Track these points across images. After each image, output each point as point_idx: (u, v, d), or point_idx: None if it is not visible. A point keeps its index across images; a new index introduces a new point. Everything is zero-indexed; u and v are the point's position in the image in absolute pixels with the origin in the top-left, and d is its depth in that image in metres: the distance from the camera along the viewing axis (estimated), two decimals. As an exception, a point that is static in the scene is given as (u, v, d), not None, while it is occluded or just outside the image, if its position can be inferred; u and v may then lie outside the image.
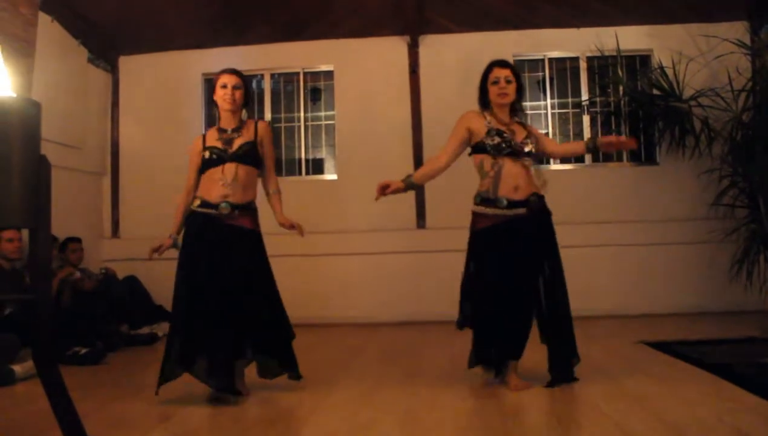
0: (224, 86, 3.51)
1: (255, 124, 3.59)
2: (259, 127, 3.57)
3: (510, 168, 3.34)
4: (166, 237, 3.54)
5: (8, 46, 5.10)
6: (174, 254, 3.57)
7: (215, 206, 3.39)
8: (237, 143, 3.47)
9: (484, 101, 3.51)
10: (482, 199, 3.38)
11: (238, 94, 3.51)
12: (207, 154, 3.47)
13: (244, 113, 3.61)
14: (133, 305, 5.99)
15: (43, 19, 5.85)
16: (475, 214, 3.42)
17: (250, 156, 3.47)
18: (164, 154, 7.19)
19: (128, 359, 4.94)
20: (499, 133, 3.37)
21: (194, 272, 3.38)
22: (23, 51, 5.34)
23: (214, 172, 3.43)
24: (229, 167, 3.42)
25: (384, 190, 3.45)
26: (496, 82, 3.43)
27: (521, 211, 3.34)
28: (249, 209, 3.48)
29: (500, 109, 3.46)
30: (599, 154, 7.04)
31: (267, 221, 3.65)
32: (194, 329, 3.32)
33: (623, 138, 3.45)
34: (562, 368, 3.39)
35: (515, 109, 3.53)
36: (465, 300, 3.49)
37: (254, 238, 3.49)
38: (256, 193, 3.56)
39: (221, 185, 3.39)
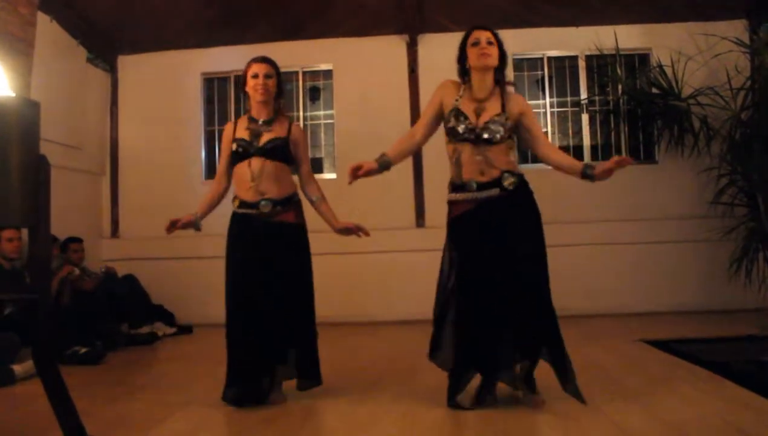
0: (255, 76, 3.32)
1: (289, 123, 3.44)
2: (293, 129, 3.41)
3: (468, 154, 3.09)
4: (189, 214, 3.35)
5: (7, 46, 5.10)
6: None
7: (255, 205, 3.29)
8: (265, 137, 3.31)
9: (464, 69, 3.19)
10: (453, 187, 3.19)
11: (271, 83, 3.33)
12: (234, 146, 3.33)
13: (280, 103, 3.46)
14: (132, 304, 5.99)
15: (42, 18, 5.85)
16: (449, 203, 3.24)
17: (278, 152, 3.31)
18: (163, 153, 7.20)
19: (128, 359, 4.94)
20: (457, 115, 3.09)
21: (241, 282, 3.27)
22: (22, 51, 5.34)
23: (241, 168, 3.31)
24: (256, 162, 3.28)
25: (356, 172, 3.16)
26: (476, 44, 3.10)
27: (494, 192, 3.07)
28: (291, 202, 3.35)
29: (481, 78, 3.12)
30: (599, 152, 7.06)
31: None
32: (240, 353, 3.24)
33: (618, 159, 2.95)
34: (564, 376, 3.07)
35: (498, 79, 3.17)
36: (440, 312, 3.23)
37: (298, 232, 3.37)
38: (295, 187, 3.42)
39: (249, 181, 3.27)
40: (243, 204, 3.32)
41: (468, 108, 3.13)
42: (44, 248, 1.99)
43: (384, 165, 3.22)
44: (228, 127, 3.47)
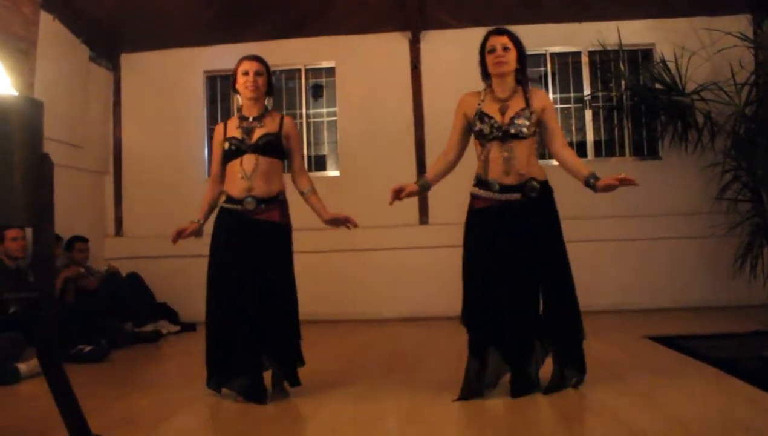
0: (246, 73, 3.35)
1: (281, 118, 3.46)
2: (285, 123, 3.43)
3: (497, 153, 3.14)
4: (192, 222, 3.42)
5: (10, 46, 5.10)
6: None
7: (240, 202, 3.30)
8: (257, 133, 3.34)
9: (485, 72, 3.26)
10: (478, 181, 3.23)
11: (261, 80, 3.36)
12: (227, 145, 3.36)
13: (269, 101, 3.50)
14: (136, 302, 6.00)
15: (45, 18, 5.85)
16: (472, 196, 3.27)
17: (271, 147, 3.34)
18: (166, 151, 7.20)
19: (132, 357, 4.95)
20: (482, 117, 3.16)
21: (220, 276, 3.32)
22: (25, 50, 5.35)
23: (234, 165, 3.33)
24: (248, 159, 3.30)
25: (398, 193, 3.25)
26: (492, 51, 3.16)
27: (515, 196, 3.14)
28: (276, 202, 3.36)
29: (501, 81, 3.20)
30: (602, 148, 7.05)
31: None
32: (224, 345, 3.27)
33: (624, 176, 3.03)
34: (560, 376, 3.20)
35: (520, 80, 3.23)
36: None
37: (281, 232, 3.38)
38: (283, 185, 3.44)
39: (240, 178, 3.29)
40: (230, 199, 3.36)
41: (492, 109, 3.19)
42: (48, 247, 1.99)
43: (424, 187, 3.34)
44: (218, 129, 3.50)
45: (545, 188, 3.22)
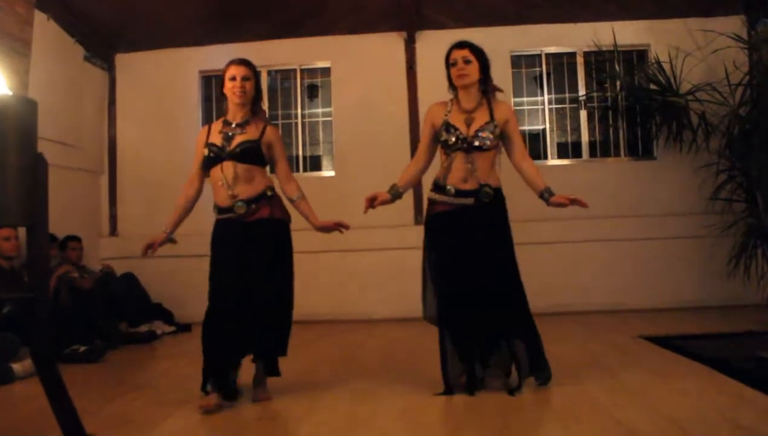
0: (233, 78, 3.33)
1: (264, 125, 3.42)
2: (267, 131, 3.39)
3: (459, 161, 3.28)
4: (160, 232, 3.37)
5: (4, 45, 5.09)
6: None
7: (230, 209, 3.29)
8: (237, 140, 3.31)
9: (452, 85, 3.41)
10: (435, 186, 3.36)
11: (248, 85, 3.35)
12: (206, 151, 3.35)
13: (260, 107, 3.49)
14: (131, 303, 5.98)
15: (39, 17, 5.83)
16: (429, 201, 3.41)
17: (248, 155, 3.30)
18: (161, 151, 7.19)
19: (127, 357, 4.94)
20: (448, 128, 3.30)
21: (219, 285, 3.30)
22: (19, 50, 5.33)
23: (215, 172, 3.32)
24: (228, 166, 3.29)
25: (372, 202, 3.37)
26: (454, 64, 3.33)
27: (468, 200, 3.27)
28: (264, 198, 3.33)
29: (465, 92, 3.35)
30: (597, 148, 7.06)
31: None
32: (216, 352, 3.25)
33: (575, 198, 3.19)
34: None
35: (485, 90, 3.38)
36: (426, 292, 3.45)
37: (275, 226, 3.35)
38: (268, 181, 3.40)
39: (221, 186, 3.29)
40: (220, 210, 3.35)
41: (458, 120, 3.33)
42: (42, 247, 1.99)
43: (395, 195, 3.42)
44: (202, 132, 3.48)
45: (498, 195, 3.35)
